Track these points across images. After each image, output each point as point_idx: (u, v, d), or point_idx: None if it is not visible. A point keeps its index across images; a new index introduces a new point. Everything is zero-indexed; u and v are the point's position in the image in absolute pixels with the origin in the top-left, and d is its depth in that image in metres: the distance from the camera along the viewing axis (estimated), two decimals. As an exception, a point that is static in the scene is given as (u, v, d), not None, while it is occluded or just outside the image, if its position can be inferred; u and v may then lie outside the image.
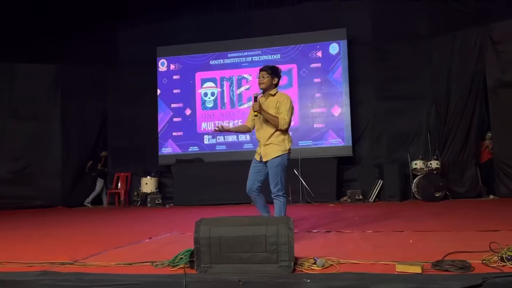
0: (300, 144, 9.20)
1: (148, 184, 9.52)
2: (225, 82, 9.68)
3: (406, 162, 8.72)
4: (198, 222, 2.68)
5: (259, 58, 9.58)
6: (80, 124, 10.50)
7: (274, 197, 3.82)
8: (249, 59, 9.63)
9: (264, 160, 3.83)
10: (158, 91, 10.04)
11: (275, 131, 3.78)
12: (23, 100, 10.12)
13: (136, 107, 10.39)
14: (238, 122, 9.56)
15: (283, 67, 9.06)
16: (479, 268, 2.44)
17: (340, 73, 9.16)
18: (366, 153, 9.51)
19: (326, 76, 9.24)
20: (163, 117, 9.94)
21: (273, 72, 3.85)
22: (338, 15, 9.56)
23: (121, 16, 10.71)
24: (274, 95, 3.86)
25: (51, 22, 10.49)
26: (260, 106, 3.73)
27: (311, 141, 9.21)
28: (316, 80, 9.28)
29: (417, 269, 2.43)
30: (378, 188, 8.69)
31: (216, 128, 3.95)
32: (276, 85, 3.90)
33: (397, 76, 9.30)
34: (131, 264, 2.92)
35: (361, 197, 8.53)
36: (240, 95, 9.62)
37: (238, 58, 9.68)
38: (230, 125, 9.40)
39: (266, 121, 3.78)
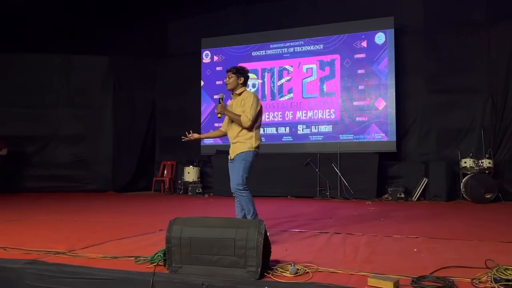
0: (341, 138, 8.93)
1: (190, 173, 9.76)
2: (266, 73, 9.59)
3: (455, 160, 8.17)
4: (171, 221, 2.68)
5: (301, 48, 9.36)
6: (130, 113, 10.97)
7: (235, 191, 3.81)
8: (291, 49, 9.44)
9: (232, 157, 3.84)
10: (202, 83, 10.19)
11: (241, 129, 3.78)
12: (79, 89, 10.76)
13: (182, 98, 10.65)
14: (278, 114, 9.48)
15: (325, 58, 8.96)
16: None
17: (386, 64, 8.70)
18: (413, 149, 9.00)
19: (370, 67, 8.82)
20: (206, 108, 10.09)
21: (237, 71, 3.88)
22: (386, 3, 9.07)
23: (171, 8, 10.97)
24: (240, 94, 3.87)
25: (106, 15, 11.00)
26: (222, 107, 3.79)
27: (352, 135, 8.88)
28: (359, 71, 8.90)
29: (388, 285, 2.25)
30: (423, 187, 8.21)
31: (185, 138, 4.02)
32: (243, 84, 3.91)
33: (451, 67, 8.66)
34: (116, 257, 3.00)
35: (403, 195, 8.11)
36: (280, 86, 9.48)
37: (280, 49, 9.53)
38: (270, 116, 9.37)
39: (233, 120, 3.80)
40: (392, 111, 8.63)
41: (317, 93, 9.18)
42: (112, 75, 10.93)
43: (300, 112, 9.27)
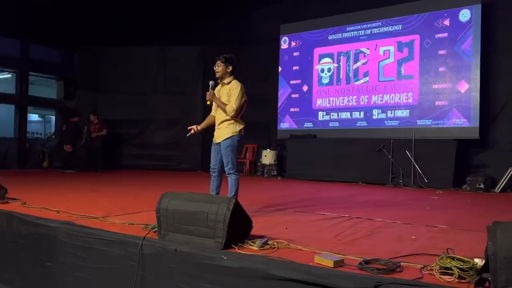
0: (418, 123, 8.50)
1: (267, 156, 10.16)
2: (342, 57, 9.47)
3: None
4: (163, 194, 3.08)
5: (379, 30, 9.02)
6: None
7: (227, 175, 4.08)
8: (368, 31, 9.16)
9: (217, 141, 4.12)
10: (279, 68, 10.44)
11: (225, 116, 4.05)
12: (174, 78, 11.82)
13: (263, 83, 11.01)
14: (353, 99, 9.32)
15: (404, 38, 8.59)
16: (412, 273, 2.22)
17: (470, 43, 7.99)
18: (501, 137, 8.18)
19: (453, 48, 8.18)
20: (283, 93, 10.34)
21: (226, 60, 4.08)
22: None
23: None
24: (228, 83, 4.10)
25: (197, 7, 11.83)
26: (212, 95, 4.07)
27: (431, 121, 8.38)
28: (441, 52, 8.31)
29: (329, 263, 2.36)
30: (507, 177, 7.48)
31: (190, 133, 4.27)
32: (231, 73, 4.13)
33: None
34: (132, 224, 3.51)
35: (482, 185, 7.48)
36: (356, 70, 9.29)
37: (356, 32, 9.31)
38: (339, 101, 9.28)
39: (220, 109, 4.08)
40: (476, 94, 7.93)
41: (394, 76, 8.82)
42: (202, 63, 11.77)
43: (376, 96, 9.01)
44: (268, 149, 10.21)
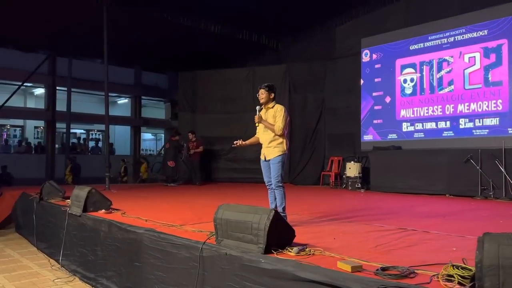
0: (510, 131, 8.01)
1: (351, 169, 10.28)
2: (424, 66, 9.29)
3: None
4: (219, 206, 3.62)
5: (462, 37, 8.71)
6: (303, 113, 12.19)
7: (276, 188, 4.57)
8: (451, 39, 8.89)
9: (267, 159, 4.57)
10: (362, 81, 10.54)
11: (274, 136, 4.54)
12: (262, 95, 12.56)
13: (347, 97, 11.23)
14: (438, 108, 9.07)
15: (490, 44, 8.31)
16: (421, 280, 2.44)
17: None
18: None
19: (546, 49, 7.62)
20: (365, 105, 10.41)
21: (269, 88, 4.62)
22: None
23: (339, 12, 11.68)
24: (272, 107, 4.62)
25: (283, 27, 12.51)
26: (260, 117, 4.60)
27: (524, 128, 7.86)
28: (533, 55, 7.78)
29: (347, 268, 2.67)
30: None
31: (235, 144, 4.81)
32: (273, 99, 4.64)
33: None
34: (201, 231, 4.11)
35: None
36: (440, 79, 9.04)
37: (439, 40, 9.09)
38: (423, 111, 9.10)
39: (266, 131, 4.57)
40: None
41: (481, 83, 8.43)
42: (288, 80, 12.34)
43: (462, 105, 8.68)
44: (352, 161, 10.34)
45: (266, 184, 4.77)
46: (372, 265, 2.79)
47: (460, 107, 8.70)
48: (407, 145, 9.41)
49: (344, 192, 9.49)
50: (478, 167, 7.99)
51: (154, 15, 10.77)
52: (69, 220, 5.76)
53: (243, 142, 4.88)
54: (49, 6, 10.28)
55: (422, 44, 9.37)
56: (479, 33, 8.47)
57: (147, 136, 26.38)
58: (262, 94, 4.70)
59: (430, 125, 9.15)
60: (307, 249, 3.22)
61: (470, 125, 8.54)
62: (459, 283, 2.28)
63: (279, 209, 4.60)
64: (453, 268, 2.35)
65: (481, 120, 8.40)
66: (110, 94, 20.03)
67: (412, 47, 9.55)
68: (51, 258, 6.13)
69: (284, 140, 4.64)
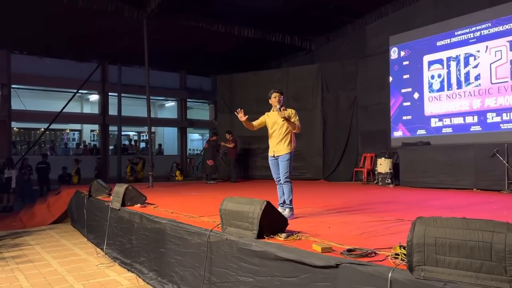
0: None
1: (382, 165, 10.48)
2: (451, 62, 9.32)
3: None
4: (224, 198, 4.18)
5: (489, 31, 8.68)
6: (336, 111, 12.49)
7: (284, 183, 5.01)
8: (477, 34, 8.87)
9: (276, 155, 5.01)
10: (390, 78, 10.69)
11: (285, 135, 5.02)
12: (295, 95, 13.00)
13: (378, 94, 11.41)
14: (465, 103, 9.10)
15: None
16: (377, 258, 2.85)
17: None
18: None
19: None
20: (395, 102, 10.55)
21: (283, 93, 5.15)
22: None
23: (369, 11, 11.86)
24: (285, 109, 5.05)
25: (315, 28, 12.87)
26: (287, 114, 5.02)
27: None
28: (560, 46, 7.67)
29: (318, 249, 3.13)
30: None
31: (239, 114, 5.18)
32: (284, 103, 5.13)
33: None
34: (214, 221, 4.68)
35: None
36: (467, 74, 9.05)
37: (465, 35, 9.09)
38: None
39: (279, 127, 5.05)
40: None
41: (509, 77, 8.38)
42: (321, 79, 12.68)
43: (490, 99, 8.67)
44: (383, 158, 10.53)
45: (276, 180, 5.24)
46: (345, 247, 3.23)
47: (488, 102, 8.69)
48: (436, 141, 9.49)
49: (373, 188, 9.74)
50: (504, 161, 7.99)
51: (190, 24, 11.50)
52: (111, 214, 6.56)
53: (244, 117, 5.25)
54: (98, 19, 11.31)
55: (448, 40, 9.41)
56: (505, 27, 8.41)
57: (194, 136, 27.55)
58: (279, 98, 5.17)
59: (458, 120, 9.19)
60: (295, 235, 3.70)
61: (498, 119, 8.52)
62: (402, 260, 2.68)
63: (287, 202, 5.09)
64: (400, 248, 2.76)
65: (508, 114, 8.36)
66: (157, 97, 21.39)
67: (439, 43, 9.60)
68: (97, 247, 6.98)
69: (293, 139, 5.13)
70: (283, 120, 5.05)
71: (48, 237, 8.07)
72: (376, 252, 3.03)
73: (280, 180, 5.17)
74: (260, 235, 3.68)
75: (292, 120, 5.09)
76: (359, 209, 5.74)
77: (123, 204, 6.26)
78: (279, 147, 5.13)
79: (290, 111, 5.16)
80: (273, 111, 5.30)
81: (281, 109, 5.16)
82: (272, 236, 3.72)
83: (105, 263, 5.95)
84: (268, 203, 3.76)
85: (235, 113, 5.31)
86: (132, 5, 10.54)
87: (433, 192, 8.35)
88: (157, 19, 10.94)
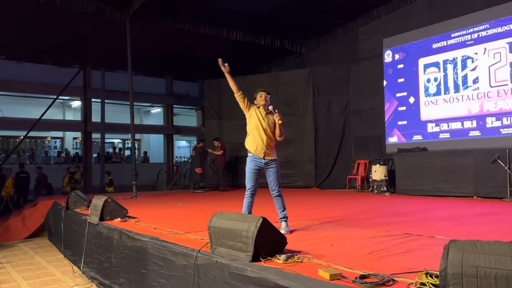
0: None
1: (377, 172, 10.08)
2: (448, 64, 8.99)
3: None
4: (213, 214, 3.68)
5: (487, 33, 8.37)
6: (328, 117, 12.08)
7: (279, 196, 4.71)
8: (475, 35, 8.56)
9: (271, 158, 4.61)
10: (384, 82, 10.33)
11: (274, 139, 4.67)
12: (286, 100, 12.56)
13: (372, 98, 11.04)
14: (463, 107, 8.75)
15: None
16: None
17: None
18: None
19: None
20: (389, 107, 10.19)
21: (269, 94, 4.72)
22: None
23: (361, 13, 11.53)
24: (270, 112, 4.65)
25: (305, 31, 12.49)
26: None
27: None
28: None
29: (326, 275, 2.65)
30: None
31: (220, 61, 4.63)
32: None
33: None
34: (203, 239, 4.18)
35: None
36: (465, 77, 8.72)
37: (462, 37, 8.77)
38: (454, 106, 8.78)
39: (272, 128, 4.60)
40: None
41: (508, 80, 8.06)
42: (312, 84, 12.28)
43: (489, 103, 8.33)
44: (377, 164, 10.13)
45: (252, 190, 4.61)
46: (355, 272, 2.75)
47: (487, 106, 8.35)
48: (433, 146, 9.13)
49: (368, 196, 9.31)
50: (506, 167, 7.64)
51: (176, 26, 11.01)
52: (89, 229, 6.00)
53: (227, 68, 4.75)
54: (78, 22, 10.76)
55: (445, 42, 9.09)
56: (504, 28, 8.11)
57: (181, 143, 26.93)
58: (267, 97, 4.72)
59: (456, 125, 8.84)
60: (296, 257, 3.21)
61: (498, 123, 8.18)
62: (431, 292, 2.22)
63: (285, 214, 4.62)
64: (426, 277, 2.29)
65: (509, 118, 8.03)
66: (142, 104, 20.78)
67: (435, 46, 9.27)
68: (74, 265, 6.40)
69: None
70: (280, 124, 4.56)
71: (21, 254, 7.44)
72: (395, 279, 2.56)
73: (254, 193, 4.63)
74: (255, 257, 3.18)
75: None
76: (359, 221, 5.29)
77: (102, 218, 5.72)
78: (270, 151, 4.61)
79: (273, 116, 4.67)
80: (259, 107, 4.79)
81: (276, 110, 4.68)
82: (269, 258, 3.22)
83: (81, 284, 5.39)
84: (265, 220, 3.27)
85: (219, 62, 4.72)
86: (114, 6, 10.01)
87: (432, 200, 7.95)
88: (141, 20, 10.43)
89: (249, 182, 4.61)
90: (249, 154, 4.70)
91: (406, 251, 3.46)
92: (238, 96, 4.76)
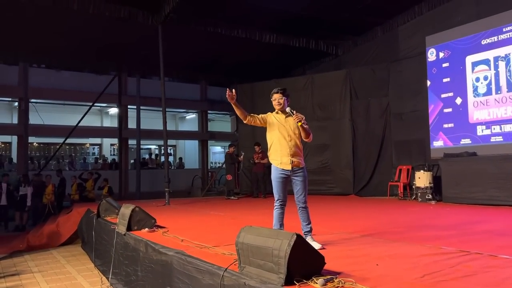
0: None
1: (421, 178, 9.42)
2: (499, 62, 8.27)
3: None
4: (242, 229, 3.31)
5: (543, 25, 7.63)
6: (367, 120, 11.51)
7: (305, 207, 4.19)
8: (530, 29, 7.83)
9: (301, 166, 4.17)
10: (428, 83, 9.68)
11: (300, 143, 4.19)
12: (322, 104, 12.10)
13: (414, 100, 10.42)
14: (517, 108, 8.01)
15: None
16: None
17: None
18: None
19: None
20: (434, 109, 9.52)
21: (284, 93, 4.18)
22: None
23: (400, 11, 10.93)
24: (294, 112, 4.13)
25: (340, 33, 12.02)
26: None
27: None
28: None
29: None
30: None
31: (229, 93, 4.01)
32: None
33: None
34: (231, 254, 3.82)
35: None
36: (519, 75, 7.99)
37: (515, 31, 8.06)
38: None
39: (295, 133, 4.15)
40: None
41: None
42: (349, 86, 11.74)
43: (547, 102, 7.57)
44: (421, 170, 9.47)
45: (281, 201, 4.12)
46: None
47: (545, 105, 7.59)
48: (483, 151, 8.41)
49: (412, 205, 8.68)
50: None
51: (208, 30, 10.80)
52: (117, 239, 5.79)
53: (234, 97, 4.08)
54: (113, 29, 10.75)
55: (495, 38, 8.37)
56: None
57: (216, 149, 26.85)
58: (280, 99, 4.17)
59: (510, 128, 8.10)
60: (336, 280, 2.79)
61: (558, 125, 7.41)
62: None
63: (309, 228, 4.20)
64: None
65: None
66: (177, 110, 20.81)
67: (484, 42, 8.56)
68: (104, 275, 6.20)
69: None
70: (300, 125, 4.10)
71: (52, 262, 7.36)
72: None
73: (284, 204, 4.16)
74: (289, 280, 2.78)
75: (295, 126, 4.15)
76: (405, 235, 4.78)
77: (129, 228, 5.47)
78: (297, 159, 4.13)
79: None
80: (278, 113, 4.26)
81: (294, 112, 4.19)
82: (304, 281, 2.81)
83: (108, 298, 5.15)
84: (299, 237, 2.87)
85: (227, 92, 4.04)
86: (146, 11, 9.91)
87: (484, 209, 7.27)
88: (173, 25, 10.28)
89: (276, 192, 4.18)
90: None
91: (465, 275, 2.95)
92: (248, 120, 4.27)
